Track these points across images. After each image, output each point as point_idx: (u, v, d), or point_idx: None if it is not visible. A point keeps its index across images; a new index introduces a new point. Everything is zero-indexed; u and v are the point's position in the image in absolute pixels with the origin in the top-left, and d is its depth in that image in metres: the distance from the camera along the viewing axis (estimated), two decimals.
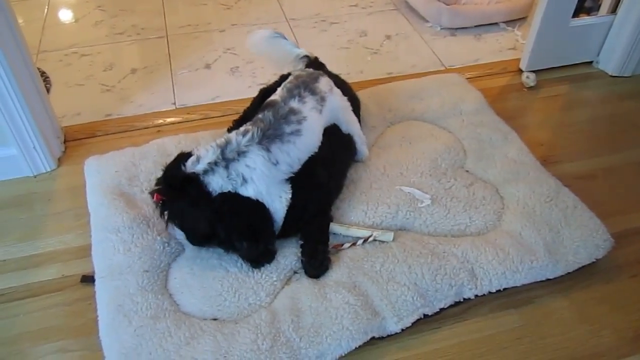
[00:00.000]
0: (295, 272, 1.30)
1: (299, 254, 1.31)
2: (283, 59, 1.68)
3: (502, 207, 1.45)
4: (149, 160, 1.54)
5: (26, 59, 1.54)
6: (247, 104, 1.61)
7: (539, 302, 1.29)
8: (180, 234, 1.27)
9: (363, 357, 1.17)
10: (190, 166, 1.23)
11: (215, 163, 1.22)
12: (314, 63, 1.66)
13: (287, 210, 1.28)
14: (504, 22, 2.36)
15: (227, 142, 1.25)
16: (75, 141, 1.74)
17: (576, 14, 1.92)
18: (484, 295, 1.27)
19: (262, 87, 1.62)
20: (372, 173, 1.53)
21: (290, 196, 1.28)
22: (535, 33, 1.91)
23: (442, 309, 1.24)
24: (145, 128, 1.80)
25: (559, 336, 1.23)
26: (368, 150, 1.58)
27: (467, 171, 1.57)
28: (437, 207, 1.43)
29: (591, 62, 2.08)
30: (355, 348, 1.16)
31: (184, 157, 1.26)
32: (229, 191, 1.22)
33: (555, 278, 1.31)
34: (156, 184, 1.26)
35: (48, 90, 1.93)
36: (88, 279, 1.30)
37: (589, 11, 1.99)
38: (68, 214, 1.49)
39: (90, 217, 1.41)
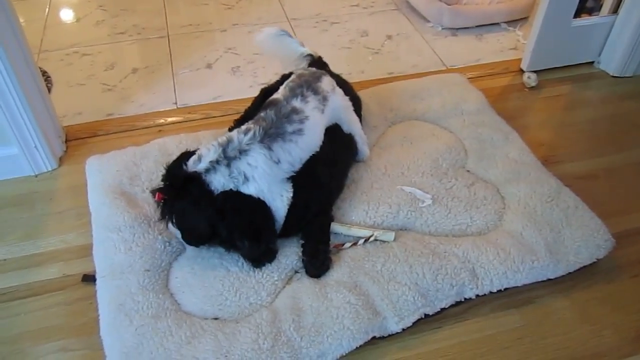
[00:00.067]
0: (296, 272, 1.30)
1: (300, 254, 1.31)
2: (287, 57, 1.68)
3: (503, 207, 1.45)
4: (150, 160, 1.54)
5: (27, 59, 1.54)
6: (248, 104, 1.61)
7: (540, 302, 1.29)
8: (180, 234, 1.27)
9: (364, 357, 1.17)
10: (191, 165, 1.22)
11: (217, 161, 1.22)
12: (318, 62, 1.66)
13: (288, 210, 1.28)
14: (505, 22, 2.35)
15: (229, 141, 1.25)
16: (76, 140, 1.74)
17: (577, 14, 1.92)
18: (485, 295, 1.27)
19: (263, 86, 1.62)
20: (373, 173, 1.53)
21: (291, 195, 1.28)
22: (537, 33, 1.91)
23: (443, 309, 1.24)
24: (147, 128, 1.80)
25: (560, 336, 1.23)
26: (369, 150, 1.58)
27: (468, 171, 1.57)
28: (438, 207, 1.43)
29: (592, 62, 2.08)
30: (356, 348, 1.16)
31: (187, 155, 1.26)
32: (231, 189, 1.22)
33: (556, 278, 1.31)
34: (162, 180, 1.26)
35: (49, 90, 1.93)
36: (89, 278, 1.30)
37: (590, 11, 1.99)
38: (69, 213, 1.49)
39: (92, 217, 1.41)
